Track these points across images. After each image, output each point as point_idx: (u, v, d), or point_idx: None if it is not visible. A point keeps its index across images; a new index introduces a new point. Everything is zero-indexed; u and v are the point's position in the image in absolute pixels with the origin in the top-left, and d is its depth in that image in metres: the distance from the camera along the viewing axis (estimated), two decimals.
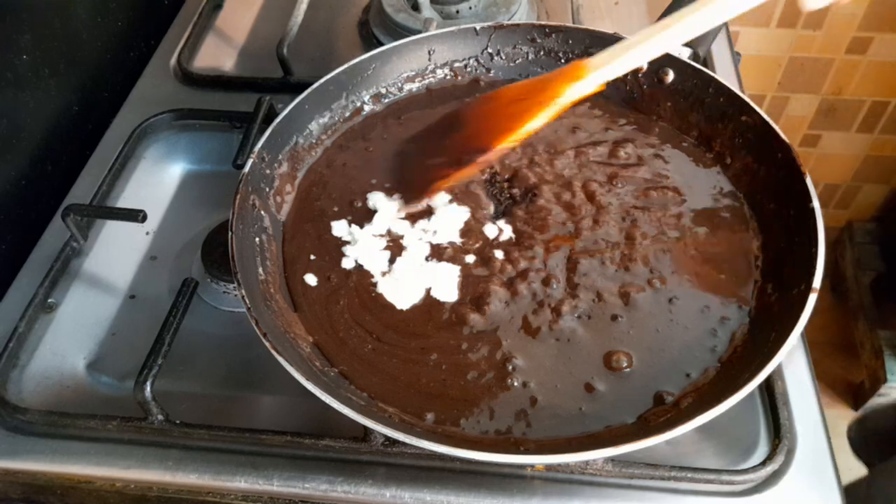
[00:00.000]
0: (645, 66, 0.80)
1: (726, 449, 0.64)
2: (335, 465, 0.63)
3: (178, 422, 0.64)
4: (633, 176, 0.76)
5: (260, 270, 0.68)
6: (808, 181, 0.67)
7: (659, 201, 0.74)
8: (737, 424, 0.65)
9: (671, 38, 0.62)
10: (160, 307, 0.69)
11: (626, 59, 0.63)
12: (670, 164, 0.78)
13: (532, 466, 0.62)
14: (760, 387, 0.65)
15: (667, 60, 0.79)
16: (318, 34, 1.07)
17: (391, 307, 0.67)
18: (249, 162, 0.70)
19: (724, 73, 0.96)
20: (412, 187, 0.73)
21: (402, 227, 0.73)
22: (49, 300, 0.75)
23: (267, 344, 0.56)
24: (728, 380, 0.59)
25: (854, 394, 1.83)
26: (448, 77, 0.86)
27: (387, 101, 0.84)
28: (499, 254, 0.70)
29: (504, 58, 0.86)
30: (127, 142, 0.87)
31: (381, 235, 0.72)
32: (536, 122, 0.64)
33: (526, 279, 0.68)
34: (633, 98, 0.82)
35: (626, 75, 0.73)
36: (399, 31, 0.99)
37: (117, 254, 0.81)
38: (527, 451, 0.56)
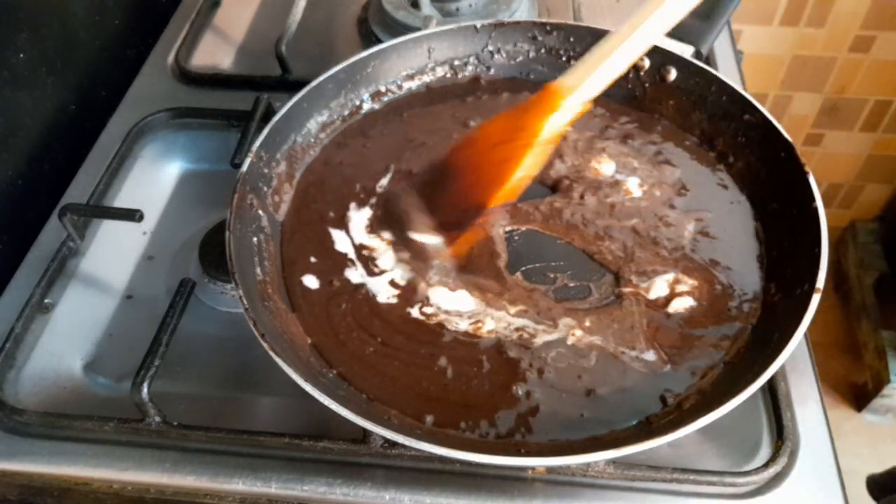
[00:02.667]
0: (647, 64, 0.79)
1: (729, 451, 0.63)
2: (334, 468, 0.63)
3: (175, 423, 0.64)
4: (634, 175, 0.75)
5: (258, 271, 0.67)
6: (811, 180, 0.66)
7: (661, 200, 0.73)
8: (739, 426, 0.64)
9: (647, 33, 0.56)
10: (157, 307, 0.69)
11: (604, 70, 0.57)
12: (672, 162, 0.77)
13: (533, 469, 0.61)
14: (763, 388, 0.64)
15: (669, 58, 0.78)
16: (317, 32, 1.06)
17: (405, 314, 0.66)
18: (247, 161, 0.69)
19: (726, 72, 0.95)
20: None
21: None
22: (46, 300, 0.74)
23: (265, 345, 0.56)
24: (731, 381, 0.59)
25: (857, 395, 1.82)
26: (448, 75, 0.86)
27: (386, 99, 0.84)
28: None
29: (505, 56, 0.86)
30: (124, 141, 0.87)
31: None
32: (526, 168, 0.60)
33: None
34: (634, 96, 0.82)
35: (627, 73, 0.72)
36: (398, 29, 0.98)
37: (114, 254, 0.80)
38: (527, 454, 0.56)
